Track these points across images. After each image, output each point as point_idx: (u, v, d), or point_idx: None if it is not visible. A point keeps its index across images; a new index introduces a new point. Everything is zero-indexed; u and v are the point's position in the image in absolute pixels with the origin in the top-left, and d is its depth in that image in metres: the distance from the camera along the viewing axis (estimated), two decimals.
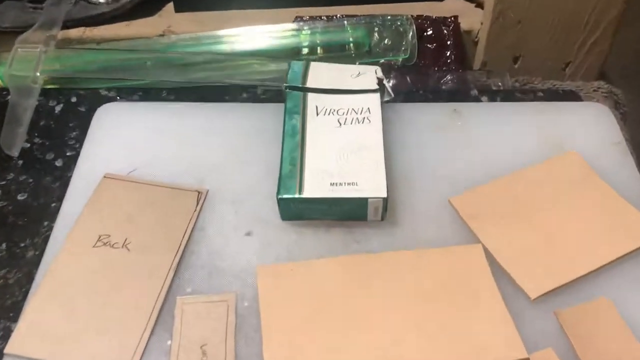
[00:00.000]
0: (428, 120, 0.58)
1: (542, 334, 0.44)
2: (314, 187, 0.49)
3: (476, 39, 0.72)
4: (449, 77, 0.69)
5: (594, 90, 0.68)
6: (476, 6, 0.74)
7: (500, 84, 0.69)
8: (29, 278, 0.49)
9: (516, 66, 0.72)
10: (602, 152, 0.55)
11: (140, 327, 0.44)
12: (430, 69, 0.69)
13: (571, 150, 0.55)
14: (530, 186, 0.52)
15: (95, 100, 0.63)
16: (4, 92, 0.63)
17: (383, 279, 0.46)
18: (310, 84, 0.56)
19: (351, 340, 0.43)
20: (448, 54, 0.70)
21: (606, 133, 0.57)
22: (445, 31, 0.70)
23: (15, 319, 0.47)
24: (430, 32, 0.70)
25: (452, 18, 0.71)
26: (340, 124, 0.53)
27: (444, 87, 0.68)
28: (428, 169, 0.54)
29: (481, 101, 0.63)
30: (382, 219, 0.50)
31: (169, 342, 0.44)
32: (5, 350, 0.43)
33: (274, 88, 0.64)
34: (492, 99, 0.64)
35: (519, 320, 0.44)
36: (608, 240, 0.48)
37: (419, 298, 0.45)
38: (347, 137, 0.52)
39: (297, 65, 0.58)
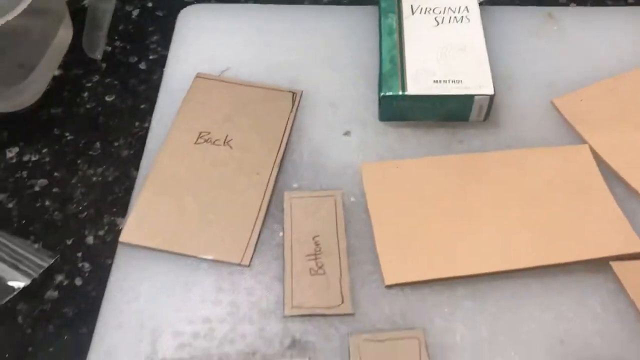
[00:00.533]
0: (522, 24, 0.56)
1: None
2: (418, 84, 0.48)
3: None
4: None
5: None
6: None
7: None
8: (127, 175, 0.49)
9: None
10: None
11: (251, 219, 0.44)
12: None
13: None
14: (635, 89, 0.51)
15: (172, 4, 0.62)
16: None
17: (490, 177, 0.46)
18: None
19: (462, 236, 0.43)
20: None
21: None
22: None
23: (118, 214, 0.47)
24: None
25: None
26: (438, 23, 0.52)
27: None
28: (527, 72, 0.53)
29: (569, 5, 0.61)
30: (485, 119, 0.49)
31: (280, 234, 0.44)
32: (120, 239, 0.43)
33: None
34: (581, 3, 0.61)
35: (632, 219, 0.43)
36: None
37: (527, 196, 0.45)
38: (446, 36, 0.51)
39: None
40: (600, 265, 0.42)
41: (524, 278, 0.41)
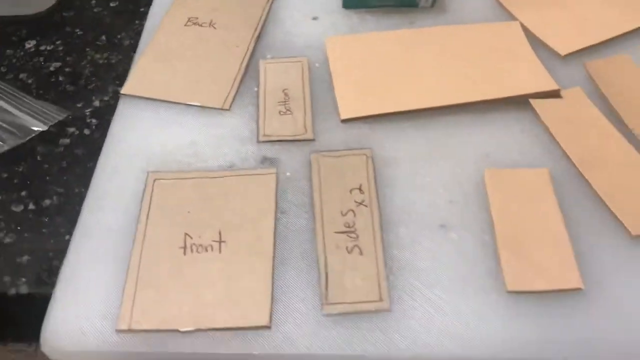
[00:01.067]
0: None
1: (572, 81, 0.52)
2: None
3: None
4: None
5: None
6: None
7: None
8: (129, 59, 0.58)
9: None
10: None
11: (231, 76, 0.52)
12: None
13: None
14: None
15: None
16: None
17: (432, 43, 0.54)
18: None
19: (407, 82, 0.51)
20: None
21: None
22: None
23: (121, 85, 0.56)
24: None
25: None
26: None
27: None
28: None
29: None
30: (432, 5, 0.58)
31: (255, 89, 0.52)
32: (122, 92, 0.52)
33: None
34: None
35: (553, 75, 0.51)
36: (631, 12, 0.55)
37: (462, 55, 0.53)
38: None
39: None
40: (523, 104, 0.50)
41: (457, 114, 0.49)
